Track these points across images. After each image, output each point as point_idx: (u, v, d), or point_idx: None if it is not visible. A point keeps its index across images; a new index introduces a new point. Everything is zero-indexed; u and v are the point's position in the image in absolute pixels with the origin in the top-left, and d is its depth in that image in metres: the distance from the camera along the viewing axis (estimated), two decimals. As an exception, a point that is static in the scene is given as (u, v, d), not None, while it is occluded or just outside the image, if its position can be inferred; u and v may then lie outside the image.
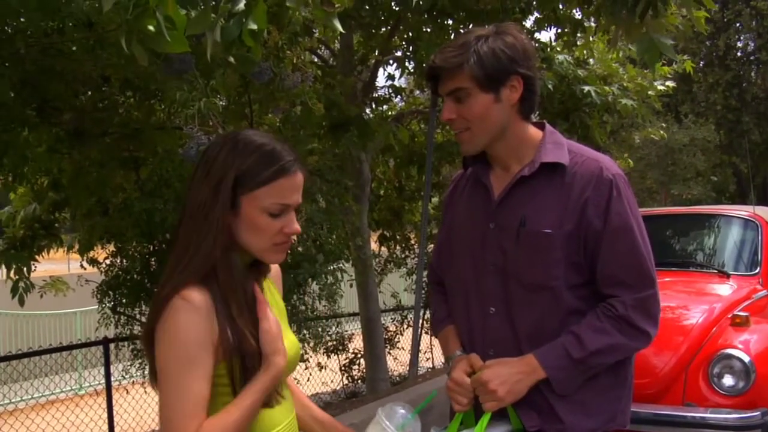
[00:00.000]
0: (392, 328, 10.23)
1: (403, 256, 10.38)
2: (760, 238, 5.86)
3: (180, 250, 1.62)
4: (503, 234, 2.04)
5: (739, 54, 23.22)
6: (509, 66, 1.95)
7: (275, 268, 1.86)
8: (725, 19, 22.75)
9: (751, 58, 23.55)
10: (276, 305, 1.77)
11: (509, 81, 1.96)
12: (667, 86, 10.12)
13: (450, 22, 6.63)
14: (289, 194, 1.62)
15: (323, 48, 8.60)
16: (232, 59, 2.25)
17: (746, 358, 4.34)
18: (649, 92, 9.90)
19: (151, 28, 1.73)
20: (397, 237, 10.58)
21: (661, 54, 4.41)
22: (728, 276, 5.55)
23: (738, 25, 22.81)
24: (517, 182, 2.04)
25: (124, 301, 6.30)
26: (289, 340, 1.72)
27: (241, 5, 1.90)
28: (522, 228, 2.01)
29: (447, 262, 2.23)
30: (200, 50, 2.48)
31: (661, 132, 11.15)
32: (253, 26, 1.91)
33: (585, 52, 9.23)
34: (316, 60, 8.05)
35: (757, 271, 5.63)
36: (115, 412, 7.33)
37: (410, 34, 7.28)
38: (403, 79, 9.60)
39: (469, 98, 1.96)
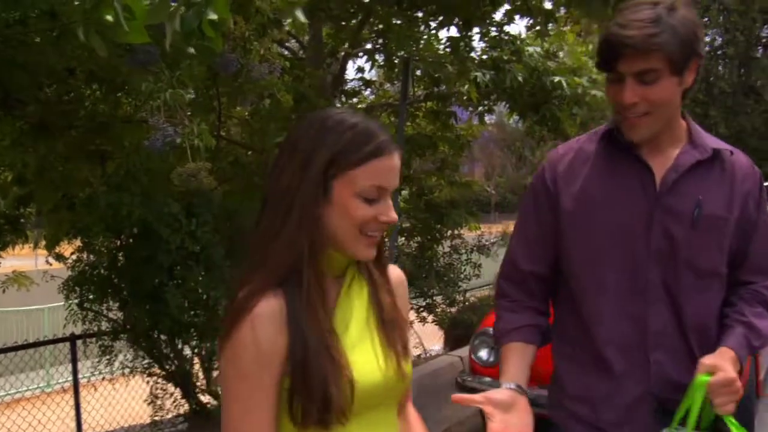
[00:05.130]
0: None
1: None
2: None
3: (258, 247, 1.46)
4: (672, 218, 1.89)
5: (707, 49, 23.49)
6: (695, 47, 1.81)
7: (397, 274, 1.66)
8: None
9: (719, 53, 23.89)
10: (366, 314, 1.53)
11: (692, 63, 1.82)
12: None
13: (420, 14, 6.62)
14: (386, 176, 1.45)
15: (293, 40, 8.56)
16: (192, 50, 2.20)
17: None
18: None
19: (109, 18, 1.69)
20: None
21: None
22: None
23: (706, 20, 23.08)
24: (691, 166, 1.91)
25: (90, 296, 6.21)
26: (369, 359, 1.48)
27: (200, -5, 1.87)
28: (699, 212, 1.88)
29: (575, 255, 1.97)
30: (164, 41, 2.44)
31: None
32: (213, 16, 1.87)
33: (554, 45, 9.27)
34: (285, 52, 8.02)
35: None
36: (83, 410, 7.25)
37: (380, 26, 7.25)
38: (373, 71, 9.60)
39: (659, 81, 1.78)
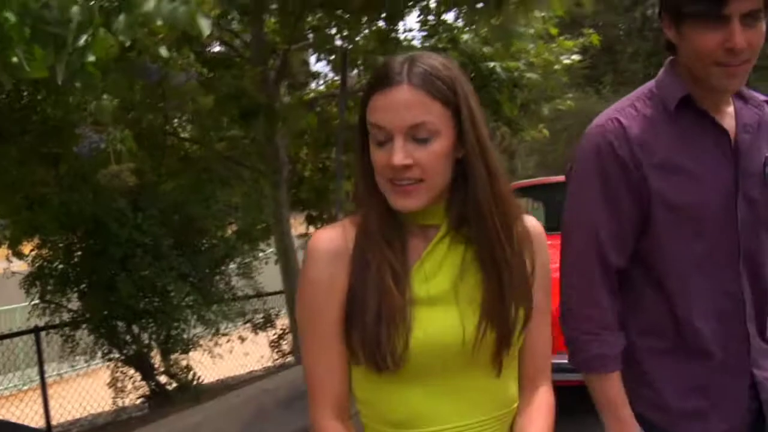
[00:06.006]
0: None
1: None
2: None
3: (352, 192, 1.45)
4: (751, 182, 1.74)
5: (656, 25, 24.03)
6: None
7: (532, 227, 1.46)
8: (643, -10, 23.58)
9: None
10: (461, 270, 1.38)
11: None
12: (573, 60, 10.72)
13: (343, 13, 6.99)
14: (385, 113, 1.30)
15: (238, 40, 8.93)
16: (78, 84, 2.62)
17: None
18: (556, 66, 10.44)
19: (15, 59, 2.13)
20: (324, 216, 11.00)
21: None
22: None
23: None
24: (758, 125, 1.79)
25: (50, 289, 6.65)
26: (449, 317, 1.35)
27: (82, 41, 2.30)
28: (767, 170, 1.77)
29: (667, 235, 1.73)
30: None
31: (568, 102, 11.70)
32: (92, 58, 2.30)
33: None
34: (228, 51, 8.41)
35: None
36: (57, 403, 7.63)
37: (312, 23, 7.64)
38: (323, 63, 9.99)
39: (758, 24, 1.61)
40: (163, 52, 2.72)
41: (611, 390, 1.75)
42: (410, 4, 7.02)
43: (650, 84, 1.80)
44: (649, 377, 1.79)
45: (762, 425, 1.77)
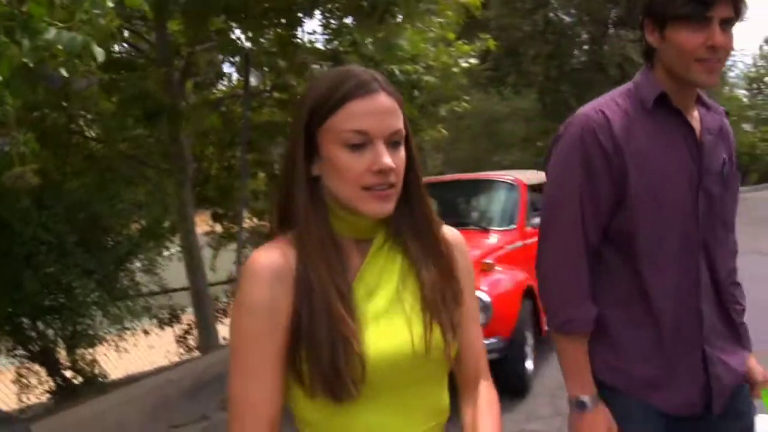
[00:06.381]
0: (225, 299, 10.88)
1: (234, 231, 10.99)
2: (518, 198, 6.93)
3: (273, 208, 1.44)
4: (711, 179, 1.97)
5: (556, 29, 25.01)
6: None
7: (452, 236, 1.52)
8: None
9: (569, 33, 25.42)
10: (399, 283, 1.41)
11: None
12: (471, 63, 11.23)
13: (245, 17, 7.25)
14: (366, 118, 1.32)
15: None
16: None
17: (486, 298, 5.33)
18: (454, 69, 10.90)
19: None
20: (229, 214, 11.18)
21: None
22: (488, 231, 6.57)
23: (553, 2, 24.57)
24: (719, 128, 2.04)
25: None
26: (395, 333, 1.36)
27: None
28: (726, 170, 2.01)
29: (640, 220, 1.93)
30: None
31: (464, 104, 12.20)
32: (-1, 78, 2.56)
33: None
34: (134, 53, 8.54)
35: (513, 226, 6.69)
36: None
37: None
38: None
39: (730, 30, 1.86)
40: (64, 72, 2.96)
41: (577, 351, 1.96)
42: (309, 10, 7.29)
43: (629, 85, 2.02)
44: (615, 344, 1.97)
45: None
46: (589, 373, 1.96)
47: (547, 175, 2.04)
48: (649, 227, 1.92)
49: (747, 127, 45.12)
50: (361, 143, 1.32)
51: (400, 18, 6.83)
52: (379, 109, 1.33)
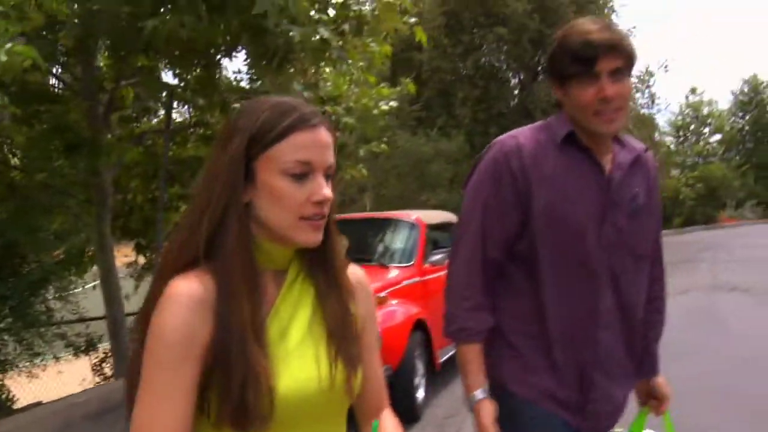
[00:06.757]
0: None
1: (156, 262, 11.17)
2: (417, 236, 7.35)
3: (186, 227, 1.38)
4: (618, 211, 2.07)
5: (486, 74, 25.80)
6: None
7: (357, 276, 1.55)
8: (476, 41, 25.29)
9: (499, 77, 26.25)
10: (311, 318, 1.44)
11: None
12: (391, 106, 11.72)
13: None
14: (310, 149, 1.35)
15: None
16: None
17: (376, 329, 5.68)
18: (374, 111, 11.36)
19: None
20: (152, 245, 11.34)
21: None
22: (388, 267, 6.96)
23: (484, 48, 25.36)
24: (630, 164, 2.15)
25: None
26: (305, 368, 1.38)
27: None
28: (635, 204, 2.11)
29: (542, 244, 2.04)
30: None
31: (383, 146, 12.64)
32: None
33: (315, 74, 10.45)
34: (59, 85, 8.75)
35: (412, 262, 7.10)
36: None
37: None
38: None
39: (624, 79, 1.98)
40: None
41: (471, 356, 2.10)
42: (226, 54, 7.61)
43: (544, 121, 2.18)
44: (520, 357, 2.10)
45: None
46: (482, 373, 2.10)
47: (464, 195, 2.19)
48: (549, 253, 2.03)
49: (675, 172, 46.80)
50: (303, 173, 1.35)
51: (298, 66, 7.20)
52: (321, 142, 1.37)
